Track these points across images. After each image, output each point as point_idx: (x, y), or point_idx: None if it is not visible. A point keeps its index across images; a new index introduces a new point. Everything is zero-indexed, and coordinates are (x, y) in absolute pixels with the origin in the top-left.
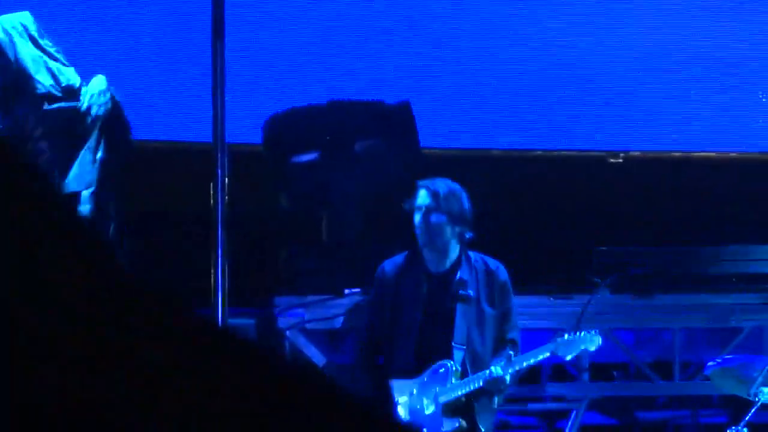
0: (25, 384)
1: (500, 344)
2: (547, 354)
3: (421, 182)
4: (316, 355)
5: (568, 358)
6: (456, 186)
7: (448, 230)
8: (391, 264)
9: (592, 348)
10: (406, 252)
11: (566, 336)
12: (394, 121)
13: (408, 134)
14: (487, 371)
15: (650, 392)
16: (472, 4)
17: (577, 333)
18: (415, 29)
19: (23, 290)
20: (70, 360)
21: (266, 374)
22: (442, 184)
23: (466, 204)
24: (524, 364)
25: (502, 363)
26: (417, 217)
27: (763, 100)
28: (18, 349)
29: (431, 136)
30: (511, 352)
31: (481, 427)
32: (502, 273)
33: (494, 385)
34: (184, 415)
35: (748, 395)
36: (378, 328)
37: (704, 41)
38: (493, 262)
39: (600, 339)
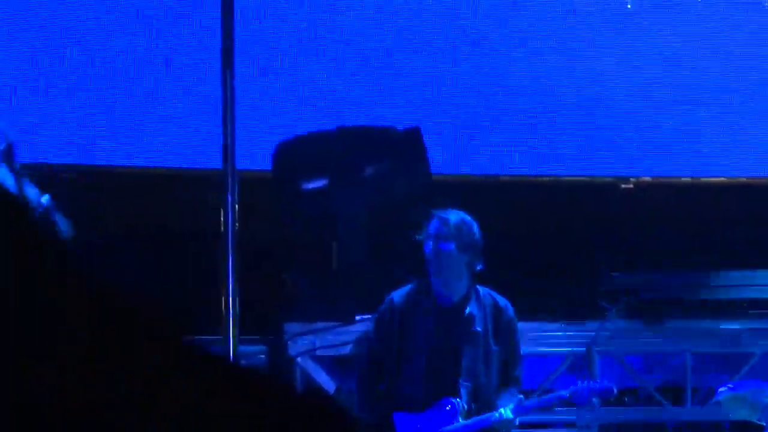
0: (24, 384)
1: (504, 381)
2: (558, 402)
3: (433, 211)
4: (326, 382)
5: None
6: (467, 216)
7: (459, 259)
8: (399, 294)
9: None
10: (415, 282)
11: (579, 383)
12: (403, 147)
13: (417, 159)
14: (497, 413)
15: (660, 417)
16: (483, 30)
17: (591, 382)
18: (426, 54)
19: (22, 294)
20: (70, 360)
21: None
22: (454, 214)
23: (477, 234)
24: (534, 408)
25: (512, 405)
26: (428, 246)
27: None
28: (17, 348)
29: (443, 161)
30: (521, 396)
31: None
32: (510, 310)
33: (502, 426)
34: (182, 416)
35: (759, 420)
36: (380, 356)
37: (713, 65)
38: (501, 299)
39: (614, 389)
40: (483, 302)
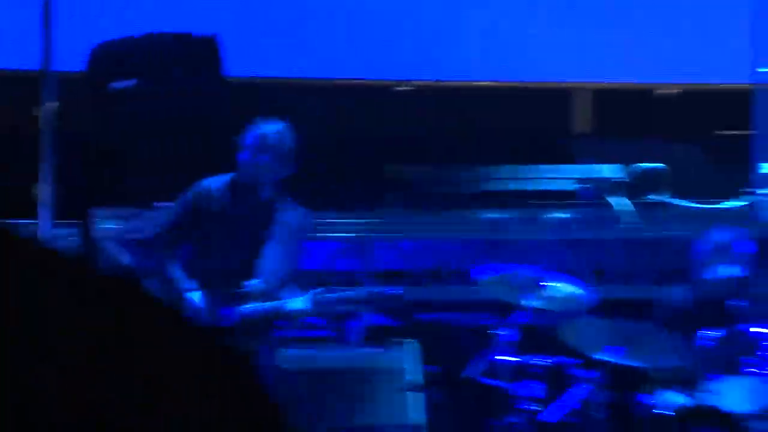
0: (25, 384)
1: (290, 277)
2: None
3: (254, 120)
4: (128, 261)
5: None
6: (282, 126)
7: (271, 167)
8: (215, 182)
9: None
10: (229, 176)
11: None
12: (200, 53)
13: (212, 66)
14: (292, 301)
15: (426, 296)
16: None
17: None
18: None
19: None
20: (69, 360)
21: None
22: (272, 126)
23: (291, 143)
24: (331, 302)
25: (306, 297)
26: (245, 154)
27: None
28: (15, 349)
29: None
30: (313, 291)
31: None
32: (306, 216)
33: (296, 315)
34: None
35: (513, 300)
36: (184, 230)
37: None
38: (304, 211)
39: (402, 294)
40: (290, 209)
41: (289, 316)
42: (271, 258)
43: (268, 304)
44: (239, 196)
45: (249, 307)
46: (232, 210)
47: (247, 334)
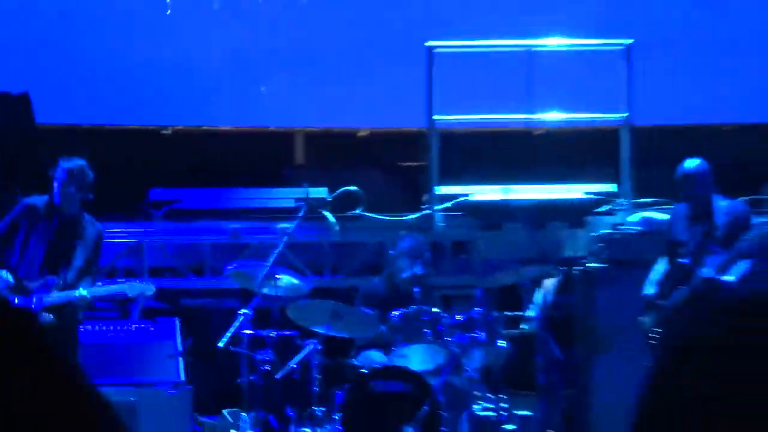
0: None
1: (87, 272)
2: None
3: (61, 160)
4: None
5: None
6: (83, 163)
7: (76, 196)
8: (34, 200)
9: (149, 293)
10: (46, 197)
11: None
12: (16, 107)
13: (24, 116)
14: (77, 292)
15: (190, 285)
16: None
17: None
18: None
19: None
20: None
21: None
22: (75, 162)
23: (90, 176)
24: (104, 294)
25: (89, 290)
26: (55, 186)
27: (263, 89)
28: None
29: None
30: (100, 283)
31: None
32: (100, 228)
33: (80, 301)
34: None
35: (253, 288)
36: (7, 236)
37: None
38: (98, 224)
39: (152, 287)
40: (88, 220)
41: (81, 301)
42: (75, 258)
43: (68, 292)
44: (53, 213)
45: (56, 295)
46: (46, 223)
47: (57, 315)
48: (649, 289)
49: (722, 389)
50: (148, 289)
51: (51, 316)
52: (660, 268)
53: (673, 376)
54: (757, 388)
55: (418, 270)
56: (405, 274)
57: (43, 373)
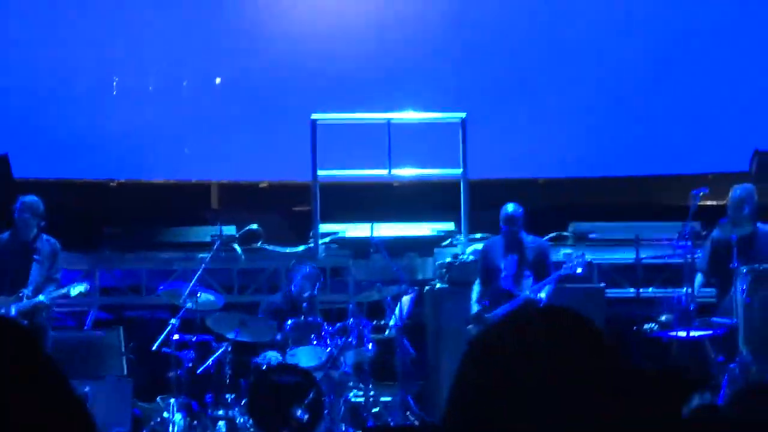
0: None
1: (50, 280)
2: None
3: (20, 196)
4: None
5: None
6: (36, 199)
7: (32, 222)
8: (5, 234)
9: (84, 290)
10: (10, 229)
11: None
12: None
13: (4, 173)
14: (38, 298)
15: (131, 301)
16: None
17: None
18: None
19: None
20: None
21: None
22: (32, 198)
23: (42, 207)
24: (55, 294)
25: (47, 296)
26: (17, 215)
27: (186, 150)
28: None
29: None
30: (53, 287)
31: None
32: (57, 246)
33: (41, 305)
34: None
35: (180, 303)
36: None
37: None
38: (53, 240)
39: (86, 284)
40: (47, 240)
41: (41, 305)
42: (36, 273)
43: (32, 300)
44: (17, 238)
45: (24, 303)
46: (12, 245)
47: (29, 319)
48: (475, 306)
49: (509, 383)
50: (83, 286)
51: (25, 321)
52: (477, 288)
53: (473, 371)
54: (538, 383)
55: (314, 291)
56: (306, 294)
57: (39, 373)
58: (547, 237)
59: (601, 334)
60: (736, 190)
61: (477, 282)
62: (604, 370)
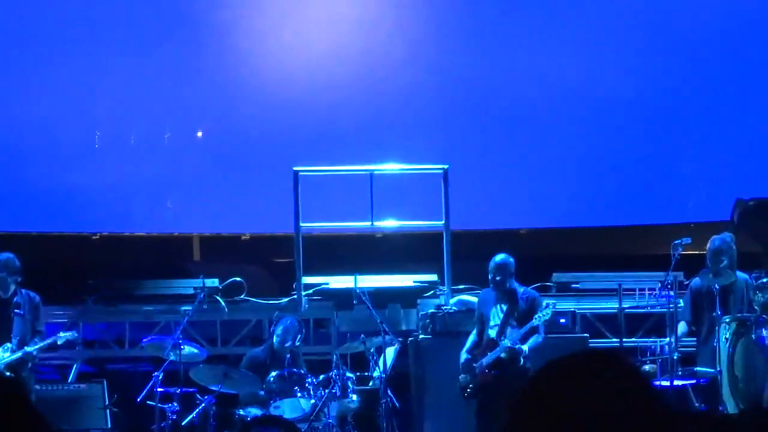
0: None
1: (34, 333)
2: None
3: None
4: None
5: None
6: (11, 254)
7: (9, 280)
8: None
9: (71, 338)
10: None
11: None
12: None
13: None
14: (25, 349)
15: (114, 354)
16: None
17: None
18: None
19: None
20: None
21: None
22: (6, 255)
23: (18, 264)
24: (42, 344)
25: (33, 347)
26: None
27: (168, 204)
28: None
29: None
30: (39, 339)
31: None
32: (36, 298)
33: (28, 356)
34: None
35: (163, 355)
36: None
37: None
38: (36, 296)
39: (74, 333)
40: (27, 295)
41: (28, 356)
42: (19, 327)
43: (18, 353)
44: None
45: (9, 356)
46: None
47: (14, 371)
48: (464, 356)
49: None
50: (70, 333)
51: (10, 373)
52: (471, 338)
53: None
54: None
55: (296, 342)
56: (287, 345)
57: (30, 425)
58: (530, 287)
59: (647, 379)
60: (715, 241)
61: (473, 332)
62: (656, 413)
